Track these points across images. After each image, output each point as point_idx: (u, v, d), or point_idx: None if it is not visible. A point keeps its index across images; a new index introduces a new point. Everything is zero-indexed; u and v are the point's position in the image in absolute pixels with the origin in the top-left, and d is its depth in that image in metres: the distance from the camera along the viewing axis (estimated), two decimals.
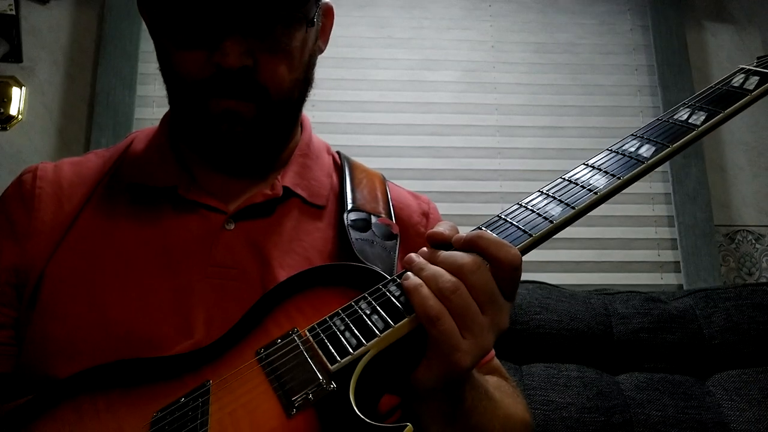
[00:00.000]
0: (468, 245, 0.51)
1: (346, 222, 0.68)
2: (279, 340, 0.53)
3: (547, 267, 1.68)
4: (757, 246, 1.76)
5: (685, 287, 1.66)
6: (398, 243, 0.69)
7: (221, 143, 0.66)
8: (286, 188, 0.70)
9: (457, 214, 1.68)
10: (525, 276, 1.45)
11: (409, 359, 0.51)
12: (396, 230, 0.71)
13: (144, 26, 1.74)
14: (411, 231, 0.77)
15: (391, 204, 0.76)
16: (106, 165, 0.73)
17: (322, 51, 0.75)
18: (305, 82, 0.71)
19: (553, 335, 1.26)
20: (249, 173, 0.72)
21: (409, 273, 0.52)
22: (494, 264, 0.50)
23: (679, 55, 1.84)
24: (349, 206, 0.71)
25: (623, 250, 1.72)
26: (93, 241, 0.65)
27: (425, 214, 0.80)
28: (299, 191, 0.71)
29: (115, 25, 1.72)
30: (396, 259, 0.66)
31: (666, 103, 1.79)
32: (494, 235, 0.52)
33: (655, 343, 1.27)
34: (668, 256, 1.72)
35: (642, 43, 1.90)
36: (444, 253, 0.52)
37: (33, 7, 1.73)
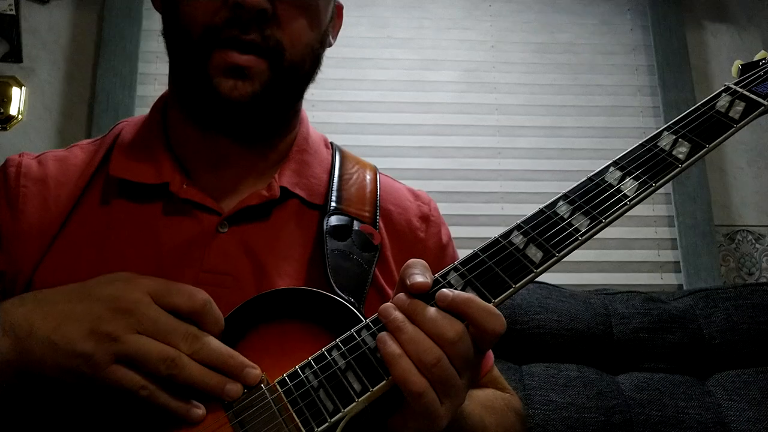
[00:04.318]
0: (453, 309, 0.49)
1: (325, 227, 0.64)
2: (246, 390, 0.50)
3: None
4: (757, 246, 1.76)
5: (685, 287, 1.65)
6: (378, 255, 0.65)
7: (222, 102, 0.61)
8: (283, 189, 0.67)
9: (457, 214, 1.68)
10: None
11: (385, 408, 0.50)
12: (377, 241, 0.67)
13: (144, 26, 1.74)
14: (409, 236, 0.73)
15: (378, 206, 0.71)
16: (94, 161, 0.69)
17: (330, 45, 0.73)
18: (316, 58, 0.68)
19: (553, 335, 1.26)
20: (246, 139, 0.68)
21: (385, 335, 0.49)
22: (479, 331, 0.48)
23: (679, 55, 1.84)
24: (332, 207, 0.67)
25: (623, 250, 1.71)
26: (83, 247, 0.63)
27: (425, 218, 0.75)
28: (298, 191, 0.68)
29: (115, 25, 1.72)
30: (372, 274, 0.63)
31: (666, 103, 1.79)
32: (482, 302, 0.49)
33: (655, 343, 1.27)
34: (668, 256, 1.72)
35: (642, 43, 1.89)
36: (424, 315, 0.49)
37: (33, 7, 1.73)
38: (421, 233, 0.74)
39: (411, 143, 1.76)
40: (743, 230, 1.77)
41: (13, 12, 1.68)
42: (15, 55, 1.69)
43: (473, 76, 1.83)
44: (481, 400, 0.67)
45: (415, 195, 0.79)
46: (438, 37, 1.85)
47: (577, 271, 1.68)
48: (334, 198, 0.69)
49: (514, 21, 1.89)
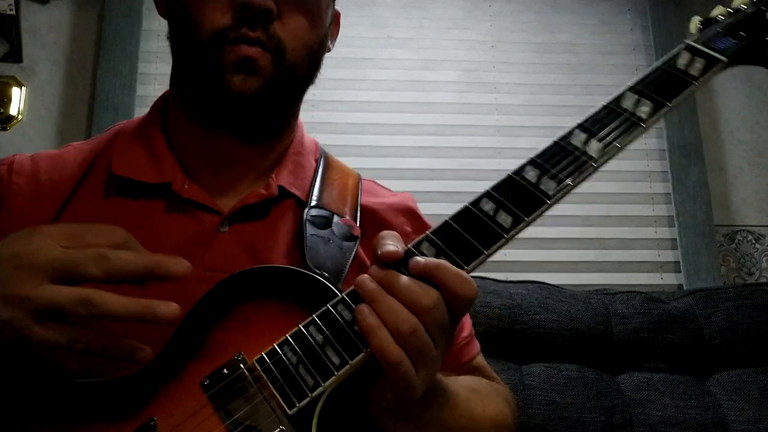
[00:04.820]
0: (426, 275, 0.49)
1: (305, 217, 0.66)
2: (225, 371, 0.50)
3: (547, 267, 1.67)
4: (757, 246, 1.76)
5: (685, 287, 1.65)
6: (358, 244, 0.67)
7: (232, 97, 0.63)
8: (281, 188, 0.68)
9: None
10: (525, 276, 1.46)
11: (363, 380, 0.50)
12: (357, 232, 0.68)
13: (144, 26, 1.74)
14: (395, 232, 0.74)
15: (359, 208, 0.73)
16: (88, 159, 0.69)
17: (329, 49, 0.74)
18: (315, 60, 0.69)
19: (553, 335, 1.26)
20: (249, 138, 0.69)
21: (363, 307, 0.49)
22: (451, 296, 0.49)
23: None
24: (313, 203, 0.69)
25: (623, 250, 1.71)
26: None
27: (409, 213, 0.78)
28: (294, 191, 0.69)
29: (115, 25, 1.72)
30: (351, 261, 0.65)
31: None
32: (454, 267, 0.50)
33: (655, 343, 1.27)
34: (668, 256, 1.72)
35: (642, 43, 1.90)
36: (400, 284, 0.49)
37: (33, 7, 1.73)
38: (407, 227, 0.76)
39: (411, 143, 1.76)
40: (743, 230, 1.77)
41: (13, 12, 1.68)
42: (15, 55, 1.69)
43: (473, 76, 1.83)
44: (467, 384, 0.68)
45: (397, 194, 0.81)
46: (438, 37, 1.85)
47: (577, 271, 1.68)
48: (315, 195, 0.70)
49: (514, 21, 1.89)
